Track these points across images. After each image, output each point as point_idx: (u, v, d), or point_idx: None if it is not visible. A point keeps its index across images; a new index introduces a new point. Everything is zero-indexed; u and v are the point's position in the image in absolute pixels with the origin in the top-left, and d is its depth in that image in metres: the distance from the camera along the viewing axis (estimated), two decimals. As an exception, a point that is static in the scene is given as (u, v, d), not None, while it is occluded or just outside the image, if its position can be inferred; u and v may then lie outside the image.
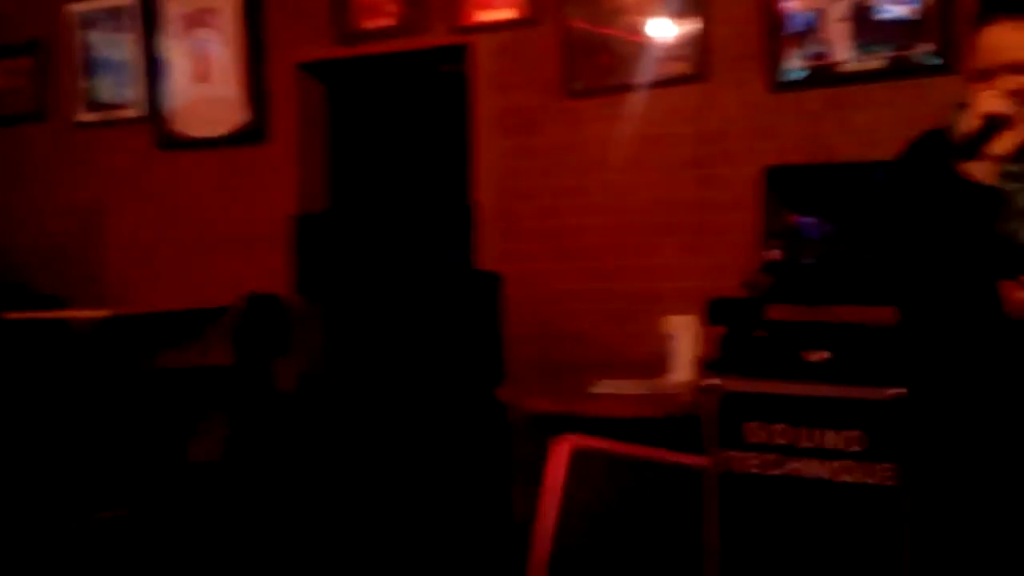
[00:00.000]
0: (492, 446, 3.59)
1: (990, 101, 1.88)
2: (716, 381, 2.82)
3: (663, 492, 3.12)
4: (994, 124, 1.87)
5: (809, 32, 3.61)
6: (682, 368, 3.27)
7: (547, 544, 3.05)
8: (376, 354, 3.77)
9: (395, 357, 3.73)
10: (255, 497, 3.78)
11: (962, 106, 1.99)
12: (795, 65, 3.64)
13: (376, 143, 4.67)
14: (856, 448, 2.67)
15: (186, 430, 3.88)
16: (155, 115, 4.84)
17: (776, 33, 3.65)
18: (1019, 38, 1.90)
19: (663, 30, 3.84)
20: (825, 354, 2.78)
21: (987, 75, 1.92)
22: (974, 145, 1.89)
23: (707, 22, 3.77)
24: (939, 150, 2.02)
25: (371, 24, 4.37)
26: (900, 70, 3.47)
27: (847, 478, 2.69)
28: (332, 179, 4.68)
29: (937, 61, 3.41)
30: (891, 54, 3.49)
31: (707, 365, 2.97)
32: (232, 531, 3.69)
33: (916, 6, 3.45)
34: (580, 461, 3.08)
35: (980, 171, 1.89)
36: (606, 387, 3.21)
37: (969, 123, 1.90)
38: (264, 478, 3.79)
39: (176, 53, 4.80)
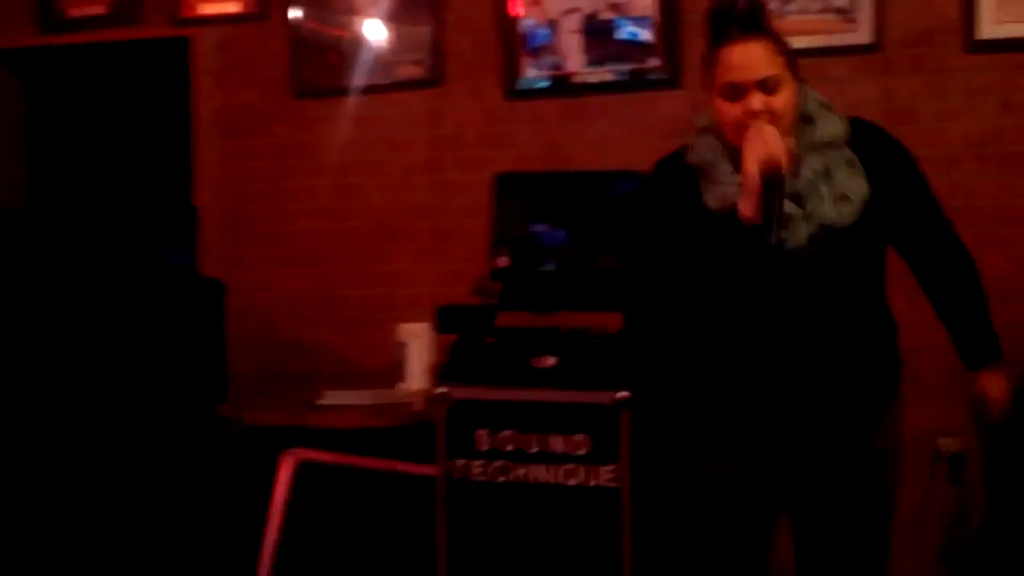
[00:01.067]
0: (214, 463, 3.48)
1: (763, 149, 1.96)
2: (445, 389, 2.87)
3: (395, 503, 3.14)
4: (772, 183, 1.96)
5: (545, 43, 3.74)
6: (415, 377, 3.30)
7: (271, 560, 3.00)
8: (82, 365, 3.56)
9: (105, 369, 3.54)
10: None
11: (704, 130, 2.16)
12: (532, 75, 3.76)
13: (87, 139, 4.44)
14: (582, 452, 2.79)
15: None
16: None
17: (512, 42, 3.76)
18: (764, 54, 2.05)
19: (396, 33, 3.86)
20: (553, 360, 2.89)
21: (739, 91, 2.04)
22: (765, 211, 1.97)
23: (443, 28, 3.83)
24: (684, 171, 2.18)
25: (79, 12, 4.14)
26: (631, 83, 3.67)
27: (573, 481, 2.80)
28: (35, 177, 4.42)
29: (665, 76, 3.63)
30: (623, 68, 3.68)
31: (438, 373, 3.02)
32: None
33: (646, 23, 3.65)
34: (306, 475, 3.05)
35: (748, 208, 2.00)
36: (335, 398, 3.18)
37: (750, 175, 1.97)
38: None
39: None
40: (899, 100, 3.47)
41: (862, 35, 3.47)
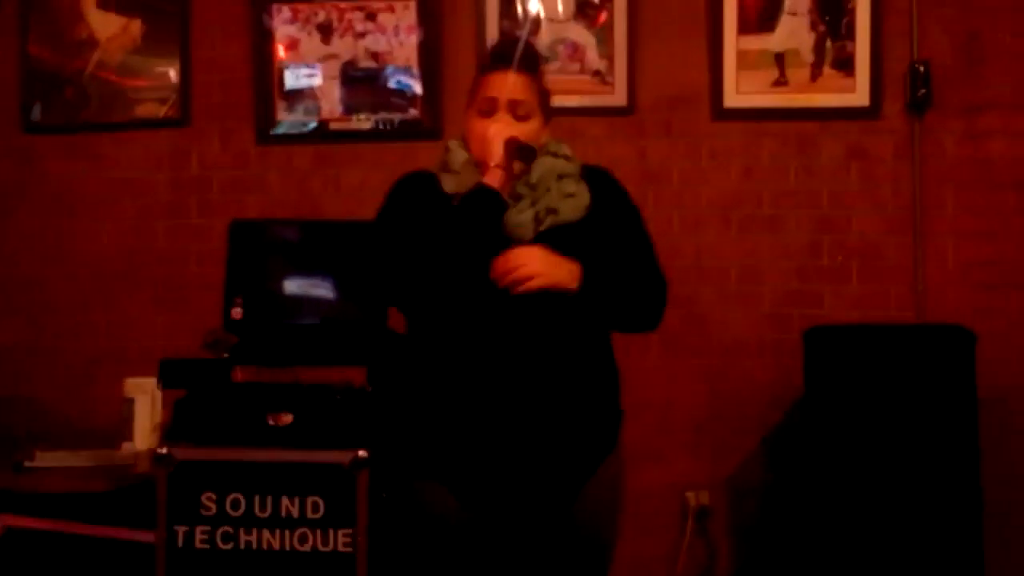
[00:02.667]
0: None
1: (506, 130, 2.21)
2: (165, 450, 2.70)
3: (114, 572, 2.93)
4: (514, 141, 2.20)
5: (301, 88, 3.67)
6: (143, 436, 3.11)
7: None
8: None
9: None
10: None
11: (456, 144, 2.31)
12: (285, 119, 3.68)
13: None
14: (315, 515, 2.67)
15: None
16: None
17: (266, 85, 3.66)
18: (522, 84, 2.27)
19: (140, 69, 3.70)
20: (290, 417, 2.77)
21: (491, 107, 2.25)
22: (515, 152, 2.19)
23: (191, 67, 3.70)
24: (428, 183, 2.29)
25: None
26: (390, 132, 3.65)
27: (306, 547, 2.67)
28: None
29: (426, 127, 3.62)
30: (383, 117, 3.65)
31: (166, 432, 2.85)
32: None
33: (407, 72, 3.64)
34: (12, 544, 2.81)
35: (492, 178, 2.19)
36: (47, 459, 2.95)
37: (493, 149, 2.20)
38: None
39: None
40: (652, 161, 3.60)
41: (618, 98, 3.59)
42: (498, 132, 2.20)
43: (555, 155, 2.30)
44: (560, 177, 2.27)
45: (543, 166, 2.26)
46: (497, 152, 2.19)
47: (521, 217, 2.21)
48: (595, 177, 2.35)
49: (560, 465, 2.18)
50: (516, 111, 2.24)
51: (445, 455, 2.19)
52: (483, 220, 2.16)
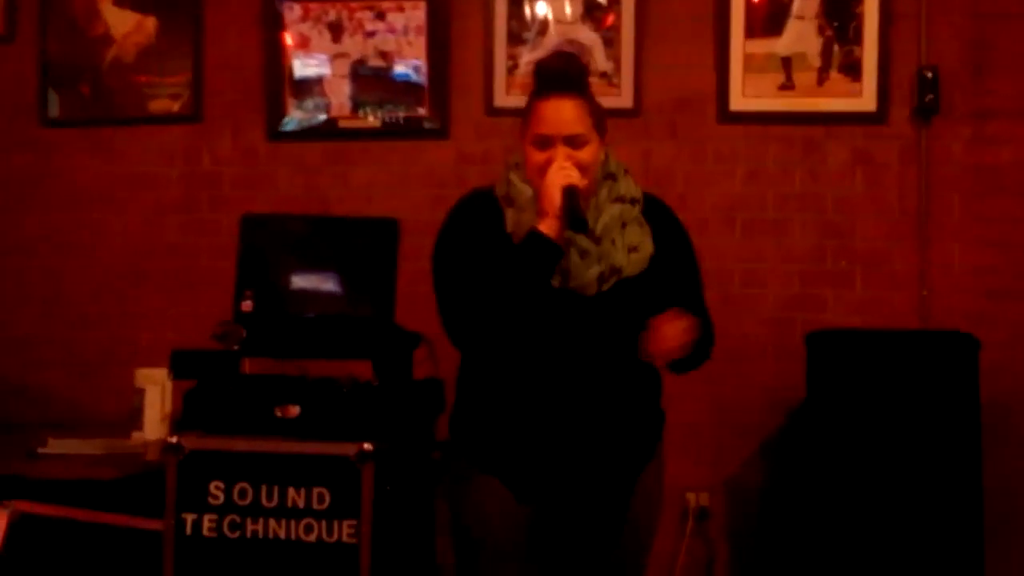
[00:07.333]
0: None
1: (563, 174, 2.19)
2: (176, 439, 2.82)
3: (123, 559, 3.04)
4: (571, 193, 2.17)
5: (311, 85, 3.79)
6: (153, 425, 3.22)
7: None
8: None
9: None
10: None
11: (517, 165, 2.30)
12: (295, 116, 3.79)
13: None
14: (320, 506, 2.79)
15: None
16: None
17: (278, 83, 3.78)
18: (575, 113, 2.23)
19: (154, 66, 3.83)
20: (297, 409, 2.88)
21: (548, 142, 2.23)
22: (568, 215, 2.18)
23: (204, 63, 3.82)
24: (490, 209, 2.31)
25: None
26: (398, 131, 3.76)
27: (311, 537, 2.79)
28: None
29: (433, 125, 3.73)
30: (390, 115, 3.76)
31: (176, 422, 2.96)
32: None
33: (416, 72, 3.75)
34: (24, 529, 2.92)
35: (548, 228, 2.19)
36: (61, 447, 3.07)
37: (551, 197, 2.18)
38: None
39: None
40: (657, 163, 3.68)
41: (624, 100, 3.67)
42: (553, 181, 2.18)
43: (621, 199, 2.29)
44: (624, 224, 2.28)
45: (609, 214, 2.27)
46: (554, 201, 2.17)
47: (587, 275, 2.23)
48: (655, 213, 2.36)
49: (615, 462, 2.30)
50: (573, 144, 2.22)
51: (505, 452, 2.28)
52: (540, 274, 2.20)
